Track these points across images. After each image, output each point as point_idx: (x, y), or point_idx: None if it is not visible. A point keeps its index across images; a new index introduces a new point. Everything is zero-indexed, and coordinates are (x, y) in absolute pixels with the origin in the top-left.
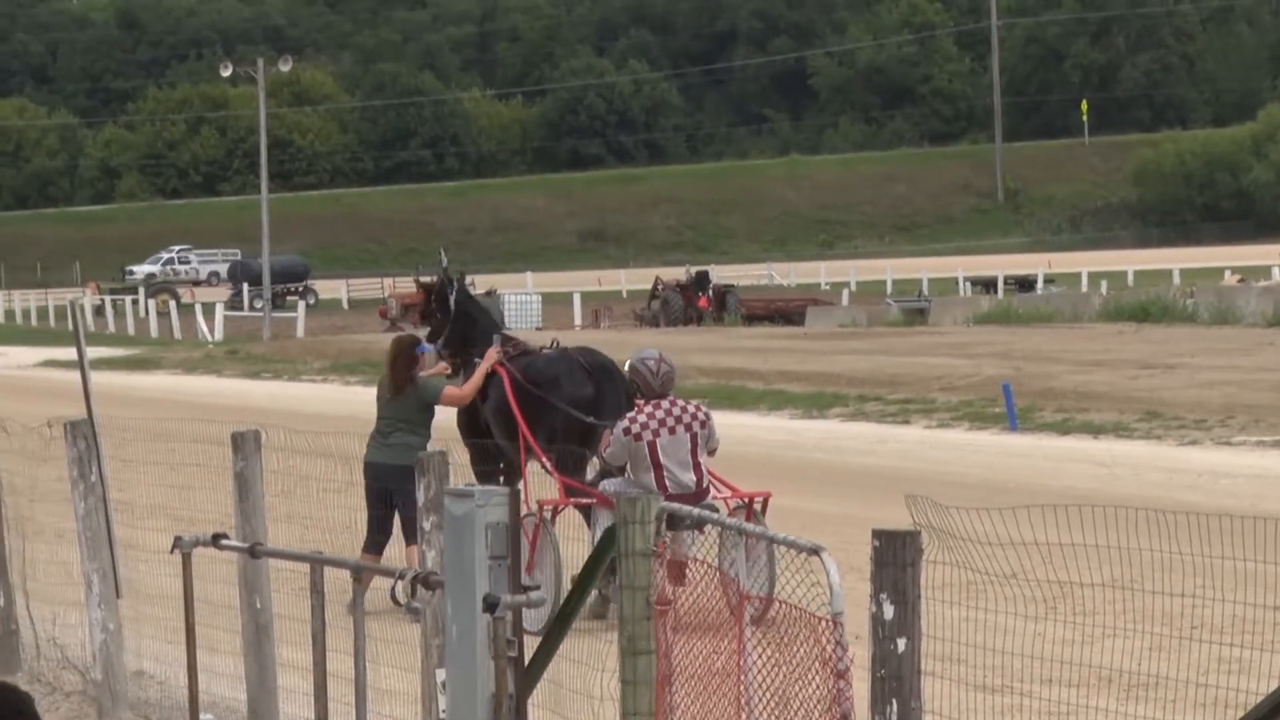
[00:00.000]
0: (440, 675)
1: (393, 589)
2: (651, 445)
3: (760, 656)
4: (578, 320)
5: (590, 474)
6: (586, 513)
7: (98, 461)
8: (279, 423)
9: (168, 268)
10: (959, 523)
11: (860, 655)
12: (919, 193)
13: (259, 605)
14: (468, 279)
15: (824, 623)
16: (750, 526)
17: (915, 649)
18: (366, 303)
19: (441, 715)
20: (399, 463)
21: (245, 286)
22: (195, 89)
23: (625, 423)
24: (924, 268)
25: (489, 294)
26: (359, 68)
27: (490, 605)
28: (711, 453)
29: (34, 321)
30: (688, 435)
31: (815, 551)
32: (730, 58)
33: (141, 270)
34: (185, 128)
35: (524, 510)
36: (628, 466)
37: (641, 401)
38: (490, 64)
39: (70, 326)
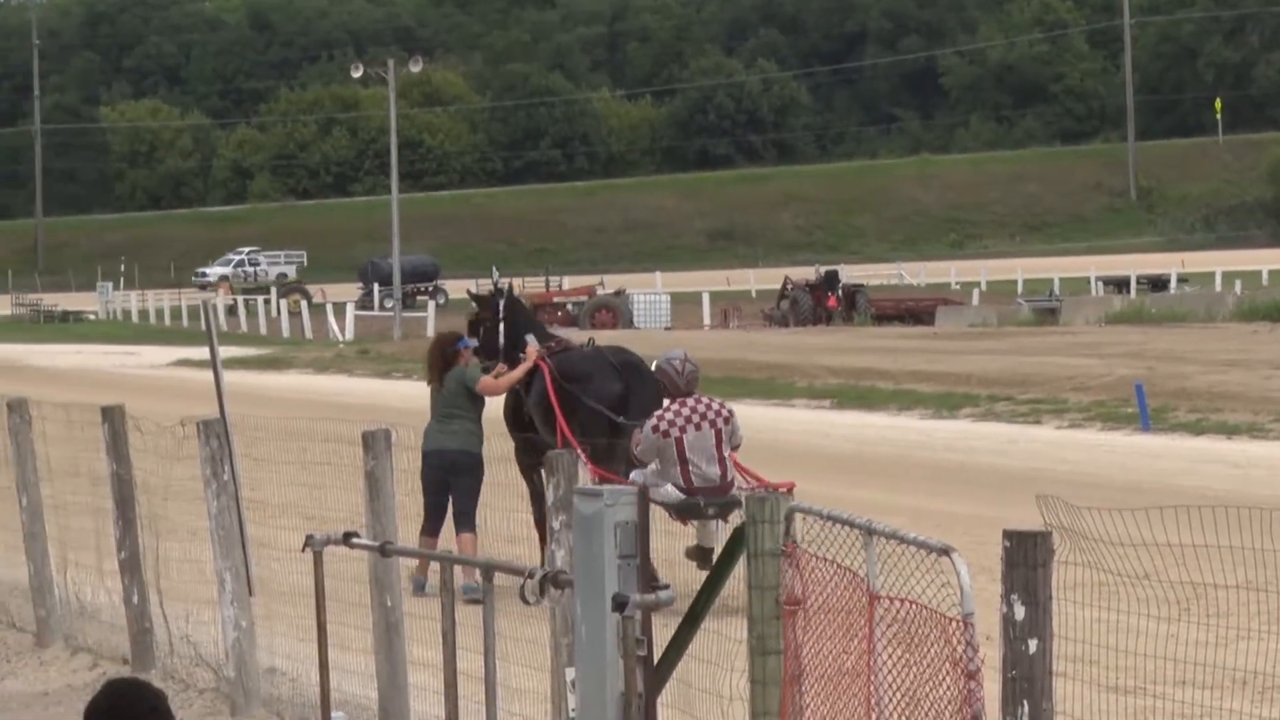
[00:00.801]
0: (570, 674)
1: (521, 588)
2: (679, 441)
3: (890, 657)
4: (706, 320)
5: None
6: None
7: (230, 460)
8: (409, 422)
9: (239, 270)
10: (1091, 523)
11: (991, 656)
12: (1050, 192)
13: (389, 603)
14: (516, 286)
15: (955, 623)
16: (880, 526)
17: (1046, 650)
18: None
19: (571, 714)
20: (461, 447)
21: (376, 286)
22: (326, 90)
23: (654, 420)
24: (1055, 267)
25: (618, 294)
26: (489, 68)
27: (619, 604)
28: (735, 448)
29: (167, 321)
30: (712, 431)
31: (946, 552)
32: (860, 57)
33: (214, 272)
34: (316, 128)
35: None
36: (655, 460)
37: (669, 400)
38: (620, 64)
39: (203, 326)
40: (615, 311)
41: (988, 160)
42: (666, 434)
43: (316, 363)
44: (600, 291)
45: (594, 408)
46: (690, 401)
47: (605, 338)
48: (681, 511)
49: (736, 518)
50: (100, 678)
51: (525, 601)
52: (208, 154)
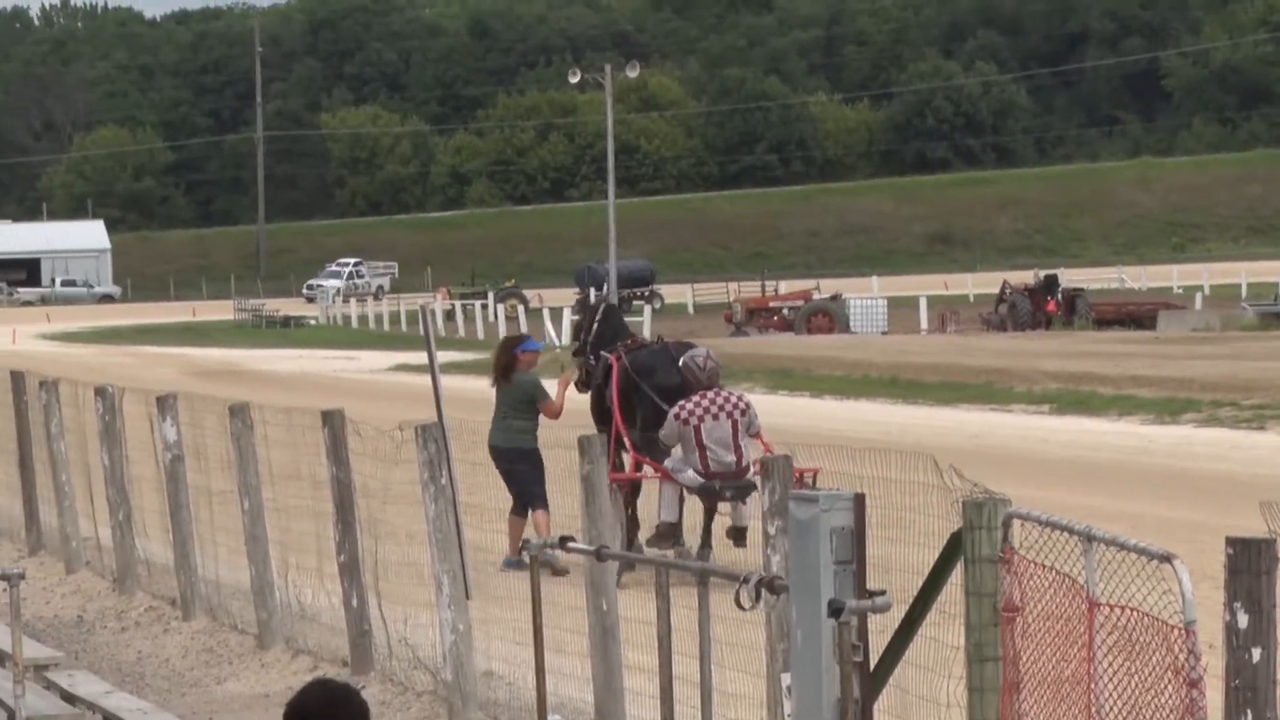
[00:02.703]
0: (786, 680)
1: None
2: (697, 430)
3: (1110, 665)
4: (924, 324)
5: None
6: (636, 487)
7: (448, 464)
8: None
9: (350, 281)
10: None
11: (1214, 664)
12: (1276, 194)
13: (605, 607)
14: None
15: (1176, 631)
16: (1100, 532)
17: (1270, 658)
18: (712, 307)
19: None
20: (513, 445)
21: (592, 291)
22: (544, 96)
23: (676, 409)
24: None
25: (834, 298)
26: (705, 73)
27: (835, 610)
28: (754, 436)
29: (386, 326)
30: (729, 421)
31: (1167, 559)
32: (1081, 59)
33: (329, 284)
34: (534, 134)
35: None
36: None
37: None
38: (837, 67)
39: (421, 331)
40: (832, 316)
41: (1211, 162)
42: (686, 422)
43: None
44: (816, 296)
45: (653, 400)
46: (710, 394)
47: (822, 343)
48: (701, 494)
49: (755, 500)
50: (311, 679)
51: (741, 607)
52: (426, 160)
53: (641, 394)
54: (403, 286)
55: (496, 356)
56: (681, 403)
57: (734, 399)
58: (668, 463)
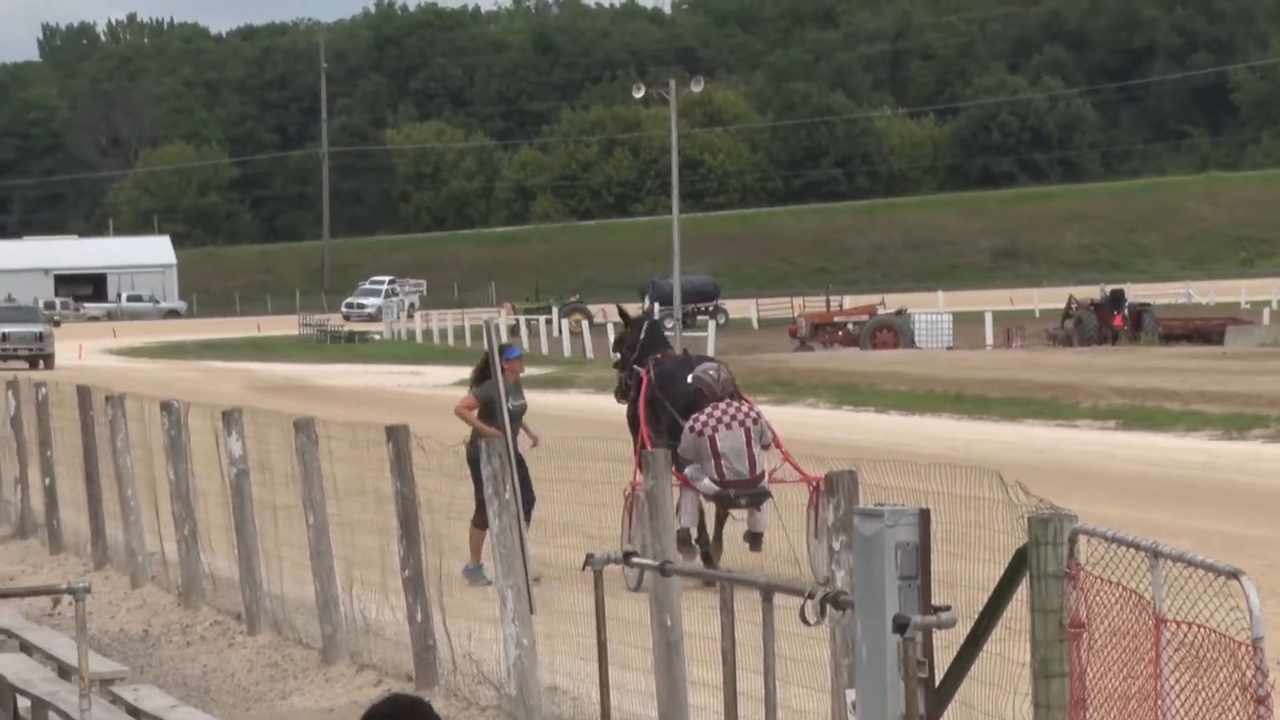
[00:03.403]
0: (850, 695)
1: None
2: (712, 439)
3: (1177, 681)
4: (989, 339)
5: None
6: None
7: (512, 479)
8: None
9: (390, 300)
10: None
11: None
12: None
13: (669, 622)
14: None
15: (1244, 648)
16: (1166, 548)
17: None
18: (776, 322)
19: None
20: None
21: (656, 306)
22: (608, 110)
23: (690, 422)
24: None
25: (899, 313)
26: (770, 87)
27: (900, 626)
28: (765, 447)
29: (450, 341)
30: (742, 430)
31: (1234, 575)
32: (1147, 73)
33: (371, 303)
34: (598, 149)
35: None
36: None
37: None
38: (902, 82)
39: (485, 346)
40: (896, 331)
41: None
42: (700, 433)
43: (597, 382)
44: (881, 311)
45: (671, 412)
46: (723, 405)
47: (886, 358)
48: (717, 501)
49: (770, 507)
50: (384, 695)
51: (806, 622)
52: (491, 175)
53: (663, 405)
54: (468, 301)
55: (477, 365)
56: (695, 415)
57: (745, 410)
58: (687, 470)
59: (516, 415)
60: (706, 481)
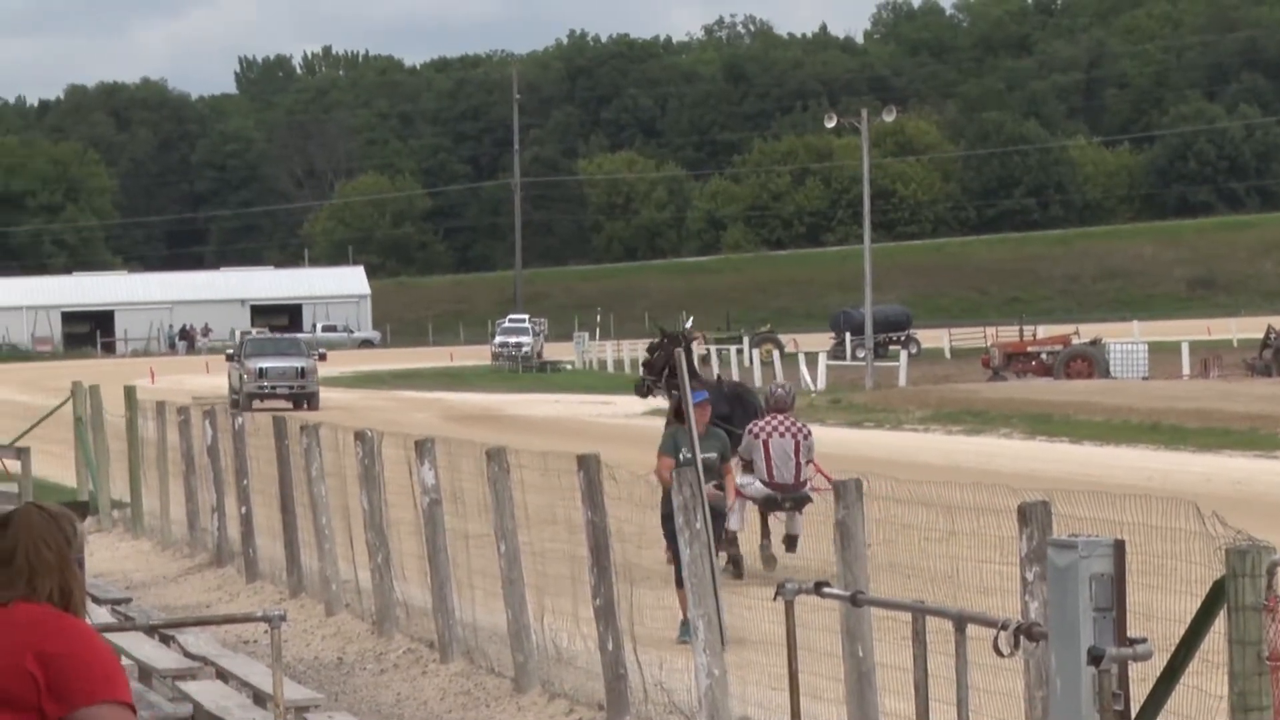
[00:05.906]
0: None
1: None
2: (766, 443)
3: None
4: (1185, 370)
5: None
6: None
7: (703, 509)
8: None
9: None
10: None
11: None
12: None
13: (861, 653)
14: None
15: None
16: None
17: None
18: (969, 352)
19: None
20: None
21: (848, 336)
22: (800, 140)
23: (750, 426)
24: None
25: (1094, 343)
26: (963, 116)
27: (1095, 657)
28: (809, 461)
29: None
30: (793, 441)
31: None
32: None
33: (525, 341)
34: (790, 179)
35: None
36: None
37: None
38: (1097, 110)
39: (676, 376)
40: (1091, 361)
41: None
42: (757, 436)
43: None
44: (1075, 341)
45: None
46: (780, 417)
47: (1081, 388)
48: (764, 503)
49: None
50: None
51: (999, 653)
52: (682, 205)
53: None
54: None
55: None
56: (755, 421)
57: (798, 425)
58: (739, 480)
59: (709, 467)
60: (757, 484)
